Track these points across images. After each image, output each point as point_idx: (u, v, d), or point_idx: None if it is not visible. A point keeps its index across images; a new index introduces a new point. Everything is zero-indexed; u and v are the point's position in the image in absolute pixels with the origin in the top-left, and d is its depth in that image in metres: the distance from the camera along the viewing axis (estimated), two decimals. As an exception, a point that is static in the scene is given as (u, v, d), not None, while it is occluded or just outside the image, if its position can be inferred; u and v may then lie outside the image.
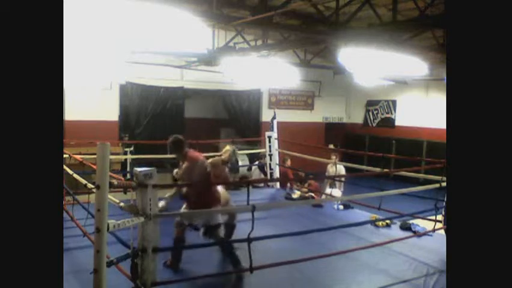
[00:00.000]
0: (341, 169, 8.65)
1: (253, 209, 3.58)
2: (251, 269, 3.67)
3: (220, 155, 5.07)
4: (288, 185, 8.64)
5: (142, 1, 4.11)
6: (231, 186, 5.77)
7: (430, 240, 5.37)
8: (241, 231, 4.31)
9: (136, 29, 4.46)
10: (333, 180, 8.32)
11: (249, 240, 3.59)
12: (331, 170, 8.80)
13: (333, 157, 8.69)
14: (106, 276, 2.84)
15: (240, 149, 4.32)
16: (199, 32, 5.03)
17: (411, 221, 6.04)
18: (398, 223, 6.05)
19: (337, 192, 8.32)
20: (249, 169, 10.10)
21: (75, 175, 4.81)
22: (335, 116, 14.90)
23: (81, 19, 4.00)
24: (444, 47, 6.58)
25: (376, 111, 14.46)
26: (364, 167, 7.63)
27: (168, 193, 4.14)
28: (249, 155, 10.31)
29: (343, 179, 8.58)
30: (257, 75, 8.70)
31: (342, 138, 14.41)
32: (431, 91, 12.48)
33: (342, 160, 9.07)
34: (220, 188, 4.56)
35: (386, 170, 7.24)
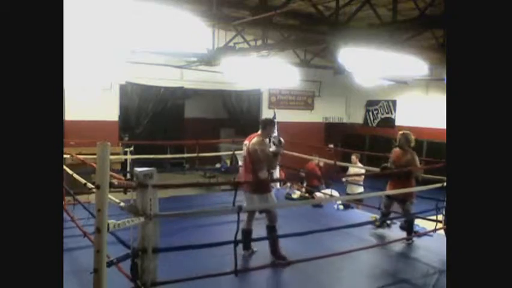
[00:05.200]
0: (360, 170, 8.89)
1: (239, 210, 3.61)
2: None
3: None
4: (288, 184, 8.63)
5: (142, 1, 4.11)
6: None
7: (430, 240, 5.37)
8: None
9: (136, 29, 4.46)
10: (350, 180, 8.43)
11: (235, 242, 3.60)
12: (352, 170, 8.98)
13: (354, 158, 8.93)
14: (106, 276, 2.84)
15: (239, 149, 4.30)
16: (199, 32, 5.03)
17: (411, 221, 6.04)
18: (398, 223, 6.05)
19: (336, 192, 8.34)
20: None
21: (75, 175, 4.81)
22: (335, 116, 14.88)
23: (81, 19, 4.00)
24: (444, 47, 6.58)
25: (376, 111, 14.45)
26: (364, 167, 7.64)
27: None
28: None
29: (362, 178, 8.77)
30: (257, 75, 8.70)
31: (342, 138, 14.39)
32: (431, 91, 12.46)
33: (343, 160, 9.10)
34: None
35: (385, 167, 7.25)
